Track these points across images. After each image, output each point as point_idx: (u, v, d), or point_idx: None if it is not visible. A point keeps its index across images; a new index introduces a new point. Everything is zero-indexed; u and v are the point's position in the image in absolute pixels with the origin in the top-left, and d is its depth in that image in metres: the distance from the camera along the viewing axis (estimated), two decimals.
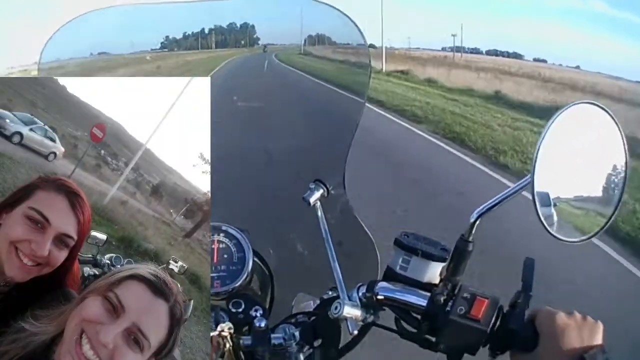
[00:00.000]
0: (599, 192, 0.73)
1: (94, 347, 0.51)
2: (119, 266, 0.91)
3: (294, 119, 1.08)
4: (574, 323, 0.65)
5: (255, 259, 0.85)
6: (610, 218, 0.72)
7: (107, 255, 1.05)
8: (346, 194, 0.89)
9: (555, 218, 0.70)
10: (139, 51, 1.10)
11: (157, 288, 0.55)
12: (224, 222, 0.85)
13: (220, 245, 0.84)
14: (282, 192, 1.00)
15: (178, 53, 1.24)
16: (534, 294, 0.69)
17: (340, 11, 0.90)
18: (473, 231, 0.70)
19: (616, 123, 0.69)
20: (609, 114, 0.69)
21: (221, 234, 0.84)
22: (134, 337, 0.52)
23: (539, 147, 0.66)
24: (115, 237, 1.22)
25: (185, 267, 1.06)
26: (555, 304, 0.68)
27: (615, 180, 0.73)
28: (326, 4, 0.91)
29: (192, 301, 0.84)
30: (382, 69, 19.96)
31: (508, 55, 28.47)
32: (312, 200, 0.85)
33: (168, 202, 1.93)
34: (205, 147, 0.79)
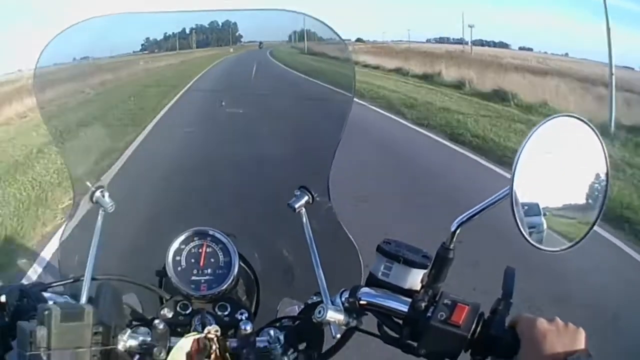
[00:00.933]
0: (580, 201, 0.73)
1: None
2: None
3: (281, 125, 1.08)
4: (556, 329, 0.65)
5: (241, 263, 0.86)
6: (592, 225, 0.72)
7: None
8: (330, 200, 0.90)
9: (535, 227, 0.71)
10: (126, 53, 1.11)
11: None
12: (211, 226, 0.87)
13: (207, 250, 0.85)
14: (267, 198, 1.01)
15: (167, 54, 1.25)
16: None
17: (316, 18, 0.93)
18: (454, 239, 0.71)
19: (596, 134, 0.70)
20: (588, 125, 0.70)
21: (208, 238, 0.85)
22: None
23: (518, 158, 0.66)
24: None
25: None
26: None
27: (598, 187, 0.74)
28: (303, 13, 0.93)
29: None
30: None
31: (494, 45, 28.34)
32: (297, 206, 0.86)
33: None
34: None
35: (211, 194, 0.96)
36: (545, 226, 0.73)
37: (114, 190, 0.89)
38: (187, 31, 1.30)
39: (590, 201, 0.73)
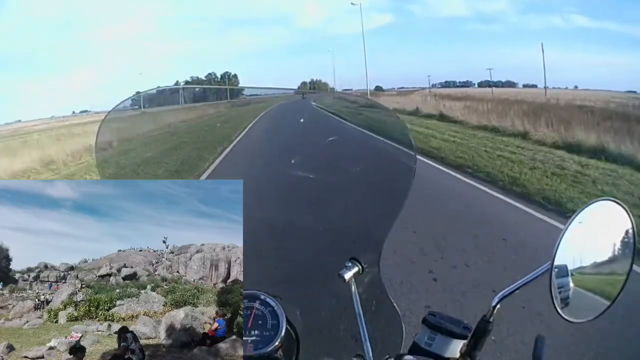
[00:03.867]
0: (608, 277, 0.78)
1: None
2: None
3: (339, 193, 1.11)
4: None
5: (286, 325, 0.90)
6: (615, 298, 0.78)
7: None
8: (380, 271, 0.93)
9: (570, 302, 0.76)
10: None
11: None
12: (259, 285, 0.92)
13: (256, 312, 0.89)
14: (317, 263, 1.05)
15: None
16: None
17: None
18: (494, 313, 0.76)
19: (630, 217, 0.77)
20: (623, 208, 0.77)
21: (257, 302, 0.90)
22: None
23: (561, 238, 0.73)
24: None
25: None
26: None
27: (623, 265, 0.79)
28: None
29: None
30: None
31: (502, 85, 28.85)
32: (347, 277, 0.91)
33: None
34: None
35: (262, 255, 1.01)
36: (571, 284, 0.77)
37: None
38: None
39: (615, 274, 0.79)
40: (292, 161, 1.11)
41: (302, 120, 1.24)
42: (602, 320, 0.77)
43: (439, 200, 6.63)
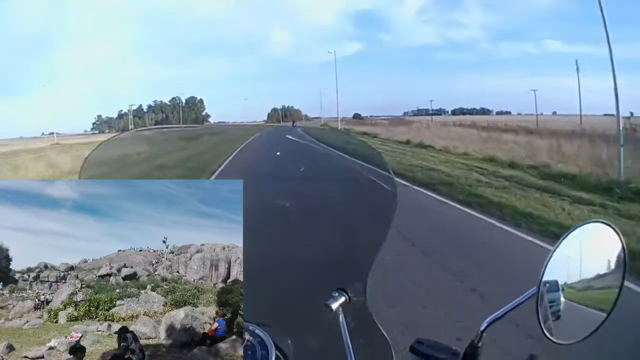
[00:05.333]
0: (600, 295, 0.78)
1: None
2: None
3: (325, 220, 1.13)
4: None
5: (277, 352, 0.89)
6: (605, 319, 0.77)
7: None
8: (367, 300, 0.93)
9: (559, 326, 0.76)
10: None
11: None
12: (249, 317, 0.92)
13: (245, 343, 0.88)
14: (305, 293, 1.06)
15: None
16: None
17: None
18: (482, 338, 0.76)
19: (620, 238, 0.77)
20: (614, 229, 0.77)
21: (245, 333, 0.90)
22: None
23: (548, 261, 0.73)
24: None
25: None
26: None
27: (613, 285, 0.78)
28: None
29: None
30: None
31: (476, 112, 29.66)
32: (334, 307, 0.90)
33: None
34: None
35: (250, 285, 1.02)
36: (562, 299, 0.77)
37: None
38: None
39: (607, 293, 0.78)
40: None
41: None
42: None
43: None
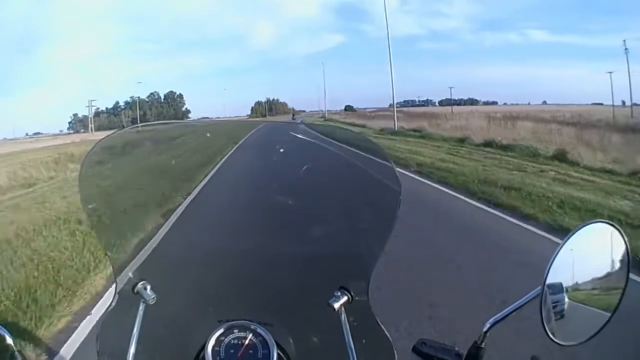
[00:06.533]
0: (603, 297, 0.76)
1: None
2: None
3: (327, 221, 1.11)
4: None
5: (278, 352, 0.88)
6: (609, 319, 0.75)
7: None
8: (369, 300, 0.92)
9: (562, 327, 0.74)
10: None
11: None
12: (250, 313, 0.90)
13: (247, 342, 0.87)
14: (307, 292, 1.04)
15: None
16: None
17: None
18: (485, 339, 0.74)
19: (623, 238, 0.75)
20: (617, 229, 0.75)
21: (247, 332, 0.88)
22: None
23: (552, 261, 0.71)
24: None
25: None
26: None
27: (617, 284, 0.77)
28: None
29: None
30: None
31: (464, 102, 29.69)
32: (336, 306, 0.89)
33: None
34: None
35: (252, 283, 1.00)
36: (566, 299, 0.75)
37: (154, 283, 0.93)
38: None
39: (610, 294, 0.76)
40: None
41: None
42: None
43: None
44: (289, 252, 1.08)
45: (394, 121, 23.14)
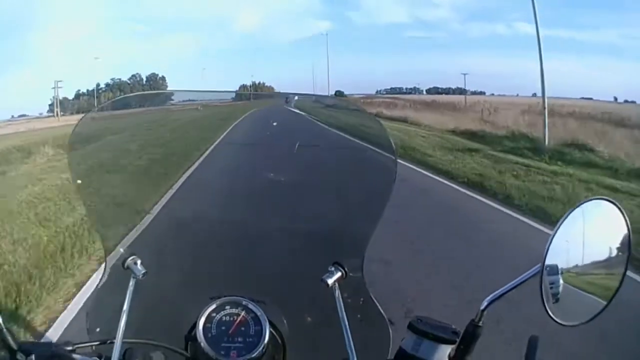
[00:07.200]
0: (602, 278, 0.76)
1: None
2: None
3: (321, 195, 1.10)
4: None
5: (271, 329, 0.88)
6: (609, 300, 0.75)
7: None
8: (364, 276, 0.91)
9: (563, 304, 0.74)
10: None
11: None
12: (242, 290, 0.88)
13: (239, 318, 0.87)
14: (300, 268, 1.03)
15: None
16: None
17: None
18: (483, 317, 0.74)
19: (623, 214, 0.74)
20: (616, 206, 0.74)
21: (239, 308, 0.87)
22: None
23: (552, 239, 0.70)
24: None
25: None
26: None
27: (618, 262, 0.76)
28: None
29: None
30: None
31: (452, 92, 29.77)
32: (330, 282, 0.88)
33: None
34: None
35: (245, 260, 0.98)
36: (561, 281, 0.75)
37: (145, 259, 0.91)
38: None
39: (609, 275, 0.76)
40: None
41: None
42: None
43: None
44: (282, 229, 1.07)
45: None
